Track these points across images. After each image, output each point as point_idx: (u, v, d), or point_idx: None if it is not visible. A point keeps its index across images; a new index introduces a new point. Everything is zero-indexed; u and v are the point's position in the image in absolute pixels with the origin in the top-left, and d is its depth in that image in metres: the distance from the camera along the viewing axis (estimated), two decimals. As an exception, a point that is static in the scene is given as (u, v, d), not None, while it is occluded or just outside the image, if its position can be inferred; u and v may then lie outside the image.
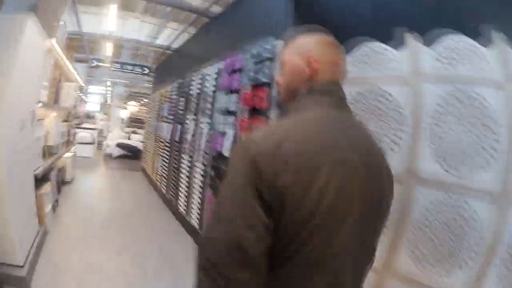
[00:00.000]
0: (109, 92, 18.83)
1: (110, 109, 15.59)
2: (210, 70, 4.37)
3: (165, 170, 6.19)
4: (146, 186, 7.58)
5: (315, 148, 0.87)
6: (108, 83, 16.87)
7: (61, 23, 4.16)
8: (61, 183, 5.68)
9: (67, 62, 4.95)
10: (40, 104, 3.48)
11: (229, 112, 3.63)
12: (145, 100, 19.71)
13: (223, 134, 3.70)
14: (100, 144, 13.14)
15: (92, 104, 21.14)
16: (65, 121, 6.08)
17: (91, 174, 8.49)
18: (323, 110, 0.98)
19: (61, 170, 5.67)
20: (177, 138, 5.60)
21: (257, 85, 3.06)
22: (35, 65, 3.21)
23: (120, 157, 11.42)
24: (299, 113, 1.00)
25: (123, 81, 15.56)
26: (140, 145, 11.23)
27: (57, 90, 4.64)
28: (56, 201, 4.92)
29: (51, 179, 4.40)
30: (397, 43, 2.05)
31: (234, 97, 3.55)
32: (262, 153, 0.83)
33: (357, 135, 1.00)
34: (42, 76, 3.51)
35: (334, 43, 1.10)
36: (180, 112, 5.58)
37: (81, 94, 18.22)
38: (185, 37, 7.34)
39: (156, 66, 10.27)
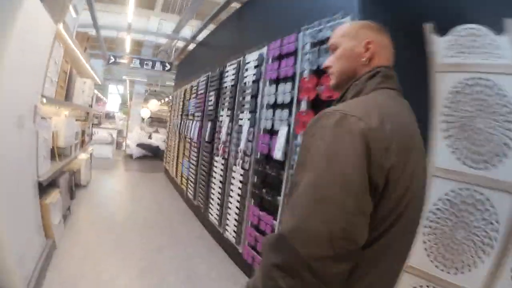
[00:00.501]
0: (129, 90, 18.50)
1: (130, 108, 15.18)
2: (249, 58, 3.70)
3: (193, 173, 5.46)
4: (169, 190, 6.91)
5: (407, 129, 0.89)
6: (128, 82, 16.50)
7: (71, 9, 3.67)
8: (75, 188, 5.22)
9: (81, 56, 4.48)
10: (45, 100, 2.99)
11: (280, 105, 2.95)
12: (166, 98, 19.37)
13: (272, 132, 3.03)
14: (119, 144, 12.77)
15: (112, 104, 20.94)
16: (80, 120, 5.62)
17: (110, 176, 8.00)
18: (390, 93, 0.97)
19: (75, 174, 5.21)
20: (207, 138, 4.84)
21: (321, 71, 2.42)
22: (37, 52, 2.76)
23: (141, 157, 10.91)
24: (366, 96, 0.97)
25: (143, 80, 15.17)
26: (162, 145, 10.75)
27: (68, 85, 4.16)
28: (68, 209, 4.47)
29: (61, 184, 3.93)
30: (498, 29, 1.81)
31: (286, 86, 2.88)
32: (371, 128, 0.79)
33: (414, 122, 0.98)
34: (47, 66, 3.02)
35: (382, 28, 1.09)
36: (210, 108, 4.88)
37: (99, 93, 17.96)
38: (210, 28, 6.74)
39: (178, 62, 9.69)
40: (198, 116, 5.51)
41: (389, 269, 0.92)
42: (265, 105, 3.21)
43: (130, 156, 10.94)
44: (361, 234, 0.77)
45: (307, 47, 2.64)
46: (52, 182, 3.64)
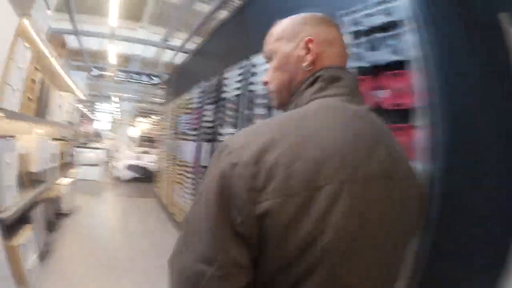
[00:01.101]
0: (116, 108, 17.78)
1: (118, 127, 14.39)
2: (259, 59, 2.93)
3: (188, 202, 4.54)
4: (162, 220, 6.01)
5: (315, 154, 0.65)
6: (116, 99, 15.78)
7: (41, 2, 3.03)
8: (56, 219, 4.49)
9: (55, 63, 3.80)
10: (1, 113, 2.31)
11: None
12: (156, 116, 18.67)
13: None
14: (107, 166, 11.97)
15: (101, 122, 20.27)
16: (60, 139, 4.91)
17: (96, 202, 7.26)
18: (329, 102, 0.77)
19: (55, 202, 4.48)
20: (205, 162, 3.96)
21: (377, 68, 1.62)
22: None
23: (131, 180, 10.13)
24: (299, 107, 0.80)
25: (132, 95, 14.46)
26: (152, 166, 9.84)
27: (41, 98, 3.49)
28: (47, 245, 3.72)
29: (34, 218, 3.22)
30: None
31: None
32: (237, 164, 0.64)
33: (376, 134, 0.76)
34: (6, 69, 2.36)
35: (327, 18, 0.90)
36: (207, 125, 4.05)
37: (84, 109, 17.22)
38: (202, 37, 6.09)
39: (168, 74, 8.96)
40: (193, 136, 4.64)
41: None
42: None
43: (119, 178, 10.16)
44: (211, 285, 0.62)
45: (348, 38, 1.89)
46: (22, 217, 2.94)
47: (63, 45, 4.26)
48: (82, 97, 6.27)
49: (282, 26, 0.91)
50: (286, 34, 0.88)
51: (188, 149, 4.70)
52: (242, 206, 0.62)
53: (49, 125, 4.20)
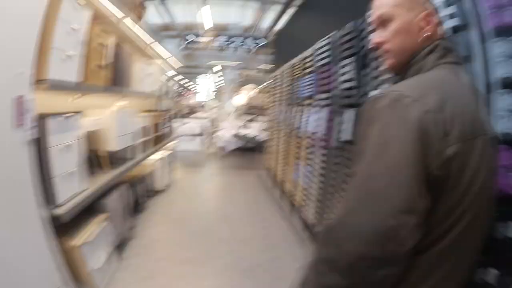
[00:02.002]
0: (219, 77, 17.76)
1: (222, 96, 14.24)
2: None
3: (315, 185, 3.43)
4: (273, 200, 4.91)
5: (471, 110, 0.78)
6: (218, 67, 15.65)
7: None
8: (145, 198, 4.19)
9: (134, 28, 3.35)
10: (47, 85, 1.86)
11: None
12: (262, 83, 18.30)
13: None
14: (211, 136, 11.87)
15: (203, 93, 20.58)
16: (150, 111, 4.58)
17: (196, 176, 6.73)
18: (451, 70, 0.86)
19: (144, 180, 4.17)
20: (345, 136, 2.79)
21: None
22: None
23: (236, 150, 9.22)
24: (425, 74, 0.87)
25: (234, 63, 14.13)
26: (261, 136, 8.81)
27: (117, 66, 3.05)
28: (130, 229, 3.40)
29: (111, 205, 2.84)
30: None
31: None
32: (429, 110, 0.70)
33: (479, 103, 0.87)
34: (46, 29, 1.85)
35: None
36: (346, 85, 2.89)
37: (184, 80, 17.45)
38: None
39: (274, 36, 8.12)
40: (320, 101, 3.48)
41: (453, 273, 0.78)
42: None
43: (224, 148, 9.78)
44: (411, 236, 0.67)
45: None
46: (92, 207, 2.58)
47: (141, 7, 3.78)
48: (177, 65, 5.92)
49: None
50: (403, 2, 0.91)
51: (313, 118, 3.61)
52: (437, 150, 0.68)
53: (133, 96, 3.81)
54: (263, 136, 8.81)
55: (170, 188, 5.32)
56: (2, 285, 1.57)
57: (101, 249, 2.57)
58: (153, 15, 7.70)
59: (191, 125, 10.00)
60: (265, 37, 9.08)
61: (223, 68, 15.47)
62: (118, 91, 3.17)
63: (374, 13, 0.98)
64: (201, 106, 16.79)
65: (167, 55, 5.04)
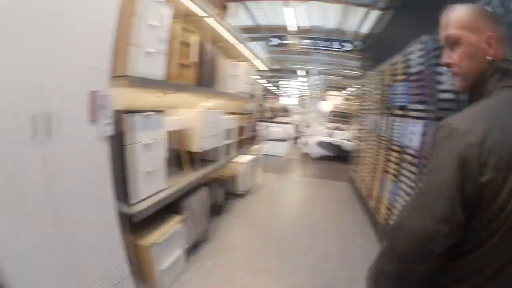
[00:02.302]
0: (303, 82, 17.50)
1: (307, 101, 13.95)
2: None
3: (401, 201, 3.05)
4: (356, 214, 4.52)
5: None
6: (302, 72, 15.41)
7: None
8: (225, 201, 4.11)
9: (220, 27, 3.28)
10: (125, 80, 1.81)
11: None
12: (349, 89, 17.61)
13: None
14: (296, 141, 11.67)
15: (289, 97, 20.46)
16: (236, 113, 4.52)
17: (279, 181, 6.45)
18: (508, 94, 0.91)
19: (227, 182, 4.09)
20: None
21: None
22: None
23: (321, 158, 9.20)
24: (488, 98, 0.93)
25: (320, 68, 13.80)
26: (347, 145, 8.65)
27: (202, 65, 3.00)
28: (206, 232, 3.33)
29: (189, 206, 2.77)
30: None
31: None
32: (470, 144, 0.82)
33: None
34: (124, 19, 1.82)
35: (497, 16, 1.16)
36: (442, 97, 2.53)
37: (269, 84, 17.41)
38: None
39: (362, 39, 7.67)
40: (414, 112, 3.03)
41: (489, 278, 0.86)
42: None
43: (308, 155, 9.56)
44: (442, 242, 0.83)
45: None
46: (170, 207, 2.54)
47: (224, 7, 3.71)
48: (263, 68, 5.83)
49: (463, 15, 0.97)
50: (468, 24, 0.95)
51: (406, 130, 3.20)
52: (473, 177, 0.80)
53: (218, 97, 3.76)
54: (349, 145, 8.39)
55: (251, 193, 5.20)
56: (73, 267, 1.63)
57: (172, 250, 2.52)
58: (237, 17, 7.76)
59: (275, 129, 9.93)
60: (352, 41, 8.63)
61: (308, 72, 15.23)
62: (204, 91, 3.10)
63: (441, 32, 1.03)
64: (285, 111, 16.66)
65: (252, 56, 4.95)
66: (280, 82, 20.31)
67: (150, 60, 2.06)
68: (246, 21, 8.49)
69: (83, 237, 1.68)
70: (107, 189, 1.81)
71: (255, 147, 5.55)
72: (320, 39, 8.90)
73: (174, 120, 2.59)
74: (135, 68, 1.91)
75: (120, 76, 1.84)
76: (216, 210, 3.93)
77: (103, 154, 1.76)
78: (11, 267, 1.30)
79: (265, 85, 19.78)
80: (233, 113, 4.67)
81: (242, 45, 4.15)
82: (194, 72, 2.85)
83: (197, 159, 3.07)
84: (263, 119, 12.76)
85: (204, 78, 3.08)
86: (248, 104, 5.40)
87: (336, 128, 10.95)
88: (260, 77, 6.49)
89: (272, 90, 23.56)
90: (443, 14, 1.02)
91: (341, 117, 13.10)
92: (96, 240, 1.76)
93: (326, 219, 4.26)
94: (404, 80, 3.33)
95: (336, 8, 7.55)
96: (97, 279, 1.77)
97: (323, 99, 14.72)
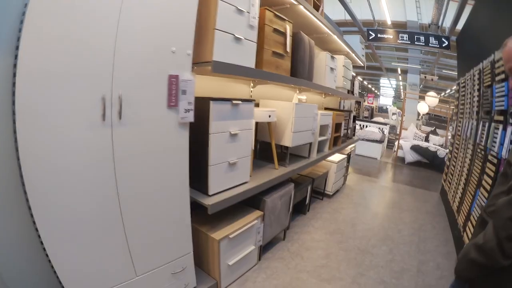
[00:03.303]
0: (400, 82, 16.39)
1: (403, 102, 12.96)
2: None
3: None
4: (445, 232, 3.89)
5: None
6: (398, 71, 14.42)
7: None
8: (310, 199, 3.91)
9: (314, 18, 3.07)
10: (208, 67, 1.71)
11: None
12: (447, 91, 16.09)
13: None
14: (390, 143, 10.95)
15: (385, 97, 19.45)
16: (332, 109, 4.27)
17: (368, 186, 5.84)
18: None
19: (315, 182, 3.86)
20: None
21: None
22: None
23: (414, 164, 8.39)
24: None
25: (417, 66, 12.80)
26: (442, 152, 7.79)
27: (295, 55, 2.84)
28: (284, 231, 3.17)
29: (268, 205, 2.61)
30: None
31: None
32: None
33: None
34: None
35: None
36: None
37: (365, 81, 16.60)
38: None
39: (459, 35, 6.80)
40: None
41: None
42: None
43: (402, 159, 8.79)
44: None
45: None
46: (250, 201, 2.51)
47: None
48: (360, 63, 5.47)
49: None
50: None
51: (506, 139, 2.58)
52: None
53: (315, 90, 3.55)
54: (443, 152, 7.54)
55: (339, 194, 4.90)
56: (139, 249, 1.64)
57: (244, 246, 2.39)
58: (332, 10, 7.46)
59: (371, 129, 9.37)
60: (449, 37, 7.75)
61: (403, 72, 14.22)
62: (298, 83, 2.92)
63: (505, 64, 1.20)
64: (382, 111, 15.81)
65: (349, 50, 4.64)
66: (378, 81, 19.36)
67: (238, 47, 1.96)
68: (340, 15, 8.17)
69: (151, 222, 1.67)
70: (182, 177, 1.76)
71: (349, 146, 5.23)
72: (417, 33, 8.17)
73: (265, 112, 2.46)
74: (221, 54, 1.81)
75: (205, 62, 1.75)
76: (300, 208, 3.75)
77: (181, 140, 1.70)
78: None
79: (363, 82, 18.98)
80: (329, 109, 4.42)
81: (337, 37, 3.87)
82: (288, 62, 2.70)
83: (286, 154, 2.91)
84: (359, 118, 12.23)
85: (299, 69, 2.91)
86: (345, 101, 5.10)
87: (431, 133, 9.97)
88: (357, 73, 6.11)
89: (370, 88, 22.55)
90: (503, 47, 1.12)
91: (436, 121, 11.92)
92: (166, 227, 1.75)
93: (409, 232, 3.78)
94: (503, 80, 2.73)
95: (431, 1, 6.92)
96: (159, 264, 1.78)
97: (420, 101, 13.54)
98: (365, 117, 10.06)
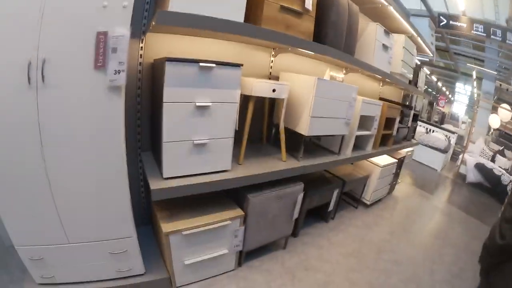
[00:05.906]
0: (474, 88, 14.64)
1: (475, 111, 11.20)
2: None
3: None
4: None
5: None
6: (473, 76, 12.76)
7: None
8: (337, 206, 3.30)
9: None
10: None
11: None
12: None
13: None
14: (455, 155, 9.54)
15: (458, 103, 17.83)
16: (380, 98, 3.49)
17: (418, 201, 4.83)
18: None
19: (347, 185, 3.12)
20: None
21: None
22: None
23: (475, 185, 6.82)
24: None
25: (491, 71, 11.20)
26: (506, 178, 6.34)
27: (323, 16, 2.17)
28: (282, 239, 2.52)
29: (254, 204, 1.99)
30: None
31: None
32: None
33: None
34: None
35: None
36: None
37: (439, 83, 15.19)
38: None
39: None
40: None
41: None
42: None
43: (463, 177, 7.26)
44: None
45: None
46: (236, 196, 1.94)
47: None
48: (427, 50, 4.55)
49: None
50: None
51: None
52: None
53: (358, 69, 2.84)
54: (508, 179, 6.16)
55: (378, 205, 4.04)
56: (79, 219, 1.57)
57: (210, 247, 1.92)
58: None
59: (436, 135, 8.19)
60: None
61: (478, 79, 12.53)
62: (321, 50, 2.18)
63: None
64: (453, 118, 14.31)
65: (414, 32, 3.77)
66: (453, 84, 17.69)
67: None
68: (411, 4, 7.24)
69: (81, 193, 1.51)
70: (118, 150, 1.46)
71: (404, 149, 4.37)
72: (494, 25, 7.06)
73: (267, 84, 1.83)
74: (183, 3, 1.36)
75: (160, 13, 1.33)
76: (322, 214, 3.08)
77: (114, 106, 1.39)
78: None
79: (437, 82, 17.31)
80: (380, 99, 3.64)
81: (394, 9, 3.05)
82: (310, 23, 2.02)
83: (300, 144, 2.25)
84: (425, 120, 10.98)
85: (329, 35, 2.22)
86: (406, 94, 4.25)
87: (499, 153, 8.34)
88: (430, 73, 5.22)
89: (444, 90, 20.65)
90: None
91: (506, 139, 10.19)
92: (98, 203, 1.56)
93: (444, 277, 2.76)
94: None
95: None
96: (93, 238, 1.65)
97: (493, 113, 11.71)
98: (435, 121, 8.88)
